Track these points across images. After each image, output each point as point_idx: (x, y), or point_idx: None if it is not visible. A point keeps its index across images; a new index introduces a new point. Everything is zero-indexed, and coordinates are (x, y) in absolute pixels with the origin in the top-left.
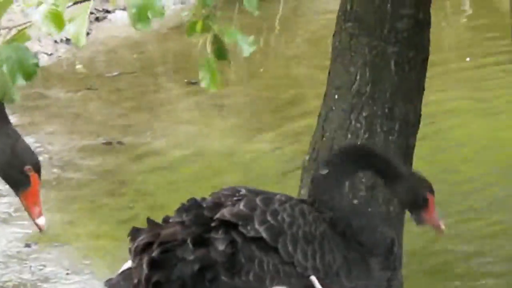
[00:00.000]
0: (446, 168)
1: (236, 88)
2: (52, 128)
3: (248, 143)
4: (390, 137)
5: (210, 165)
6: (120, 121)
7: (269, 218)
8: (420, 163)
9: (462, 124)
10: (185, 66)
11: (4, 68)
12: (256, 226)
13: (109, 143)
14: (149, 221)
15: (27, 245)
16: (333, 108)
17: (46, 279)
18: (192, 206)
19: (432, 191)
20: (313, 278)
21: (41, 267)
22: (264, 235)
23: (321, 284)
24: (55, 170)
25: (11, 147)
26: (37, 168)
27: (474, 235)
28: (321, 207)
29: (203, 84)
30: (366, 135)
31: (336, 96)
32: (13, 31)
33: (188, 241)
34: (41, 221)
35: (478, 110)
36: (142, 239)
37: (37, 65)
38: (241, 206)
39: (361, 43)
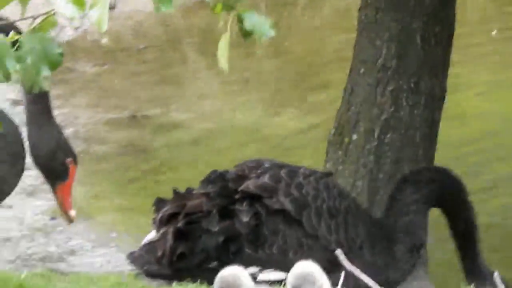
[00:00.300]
0: (467, 139)
1: (260, 62)
2: (78, 102)
3: (273, 117)
4: (416, 111)
5: (235, 139)
6: (145, 94)
7: (293, 191)
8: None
9: (483, 96)
10: (211, 40)
11: (28, 60)
12: (281, 198)
13: (134, 116)
14: (175, 192)
15: (53, 218)
16: (359, 82)
17: (71, 252)
18: (217, 178)
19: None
20: (338, 252)
21: (66, 240)
22: (288, 207)
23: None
24: (80, 143)
25: (57, 139)
26: (76, 161)
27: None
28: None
29: (220, 64)
30: (392, 109)
31: (362, 70)
32: (38, 20)
33: (214, 212)
34: (73, 212)
35: (500, 82)
36: (167, 209)
37: (61, 55)
38: (266, 178)
39: (387, 17)
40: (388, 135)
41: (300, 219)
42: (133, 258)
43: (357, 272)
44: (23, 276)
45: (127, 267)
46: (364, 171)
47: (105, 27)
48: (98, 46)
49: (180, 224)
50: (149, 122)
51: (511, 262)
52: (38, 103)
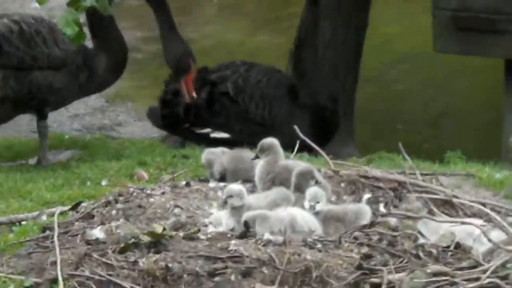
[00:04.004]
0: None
1: None
2: (123, 25)
3: (254, 36)
4: (347, 35)
5: (227, 51)
6: None
7: (239, 80)
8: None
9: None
10: None
11: None
12: (228, 84)
13: None
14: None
15: (107, 101)
16: (309, 16)
17: (119, 124)
18: (202, 70)
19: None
20: (295, 128)
21: (116, 116)
22: (230, 90)
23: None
24: None
25: (182, 47)
26: (195, 60)
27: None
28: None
29: None
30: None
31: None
32: None
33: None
34: (194, 93)
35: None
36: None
37: None
38: (227, 71)
39: None
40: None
41: (236, 100)
42: (151, 109)
43: (307, 140)
44: (87, 139)
45: (156, 135)
46: None
47: None
48: None
49: (165, 96)
50: None
51: None
52: (166, 24)
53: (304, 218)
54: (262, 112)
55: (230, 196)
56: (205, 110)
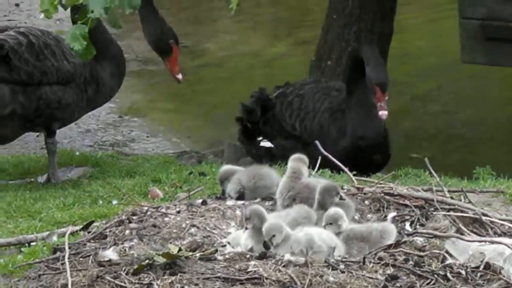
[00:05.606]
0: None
1: (262, 7)
2: (138, 35)
3: (271, 47)
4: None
5: (245, 62)
6: (182, 30)
7: (289, 90)
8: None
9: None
10: None
11: (116, 1)
12: (276, 102)
13: None
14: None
15: (120, 116)
16: (332, 24)
17: (132, 140)
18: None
19: None
20: (317, 143)
21: (129, 131)
22: (277, 108)
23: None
24: (139, 64)
25: (161, 28)
26: (177, 42)
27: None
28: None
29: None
30: (355, 44)
31: (335, 16)
32: None
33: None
34: (179, 76)
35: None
36: None
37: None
38: (289, 88)
39: None
40: None
41: (282, 116)
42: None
43: (330, 156)
44: (98, 155)
45: (171, 151)
46: None
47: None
48: None
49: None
50: (186, 50)
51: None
52: (147, 9)
53: (322, 237)
54: (294, 122)
55: (249, 219)
56: (259, 117)
